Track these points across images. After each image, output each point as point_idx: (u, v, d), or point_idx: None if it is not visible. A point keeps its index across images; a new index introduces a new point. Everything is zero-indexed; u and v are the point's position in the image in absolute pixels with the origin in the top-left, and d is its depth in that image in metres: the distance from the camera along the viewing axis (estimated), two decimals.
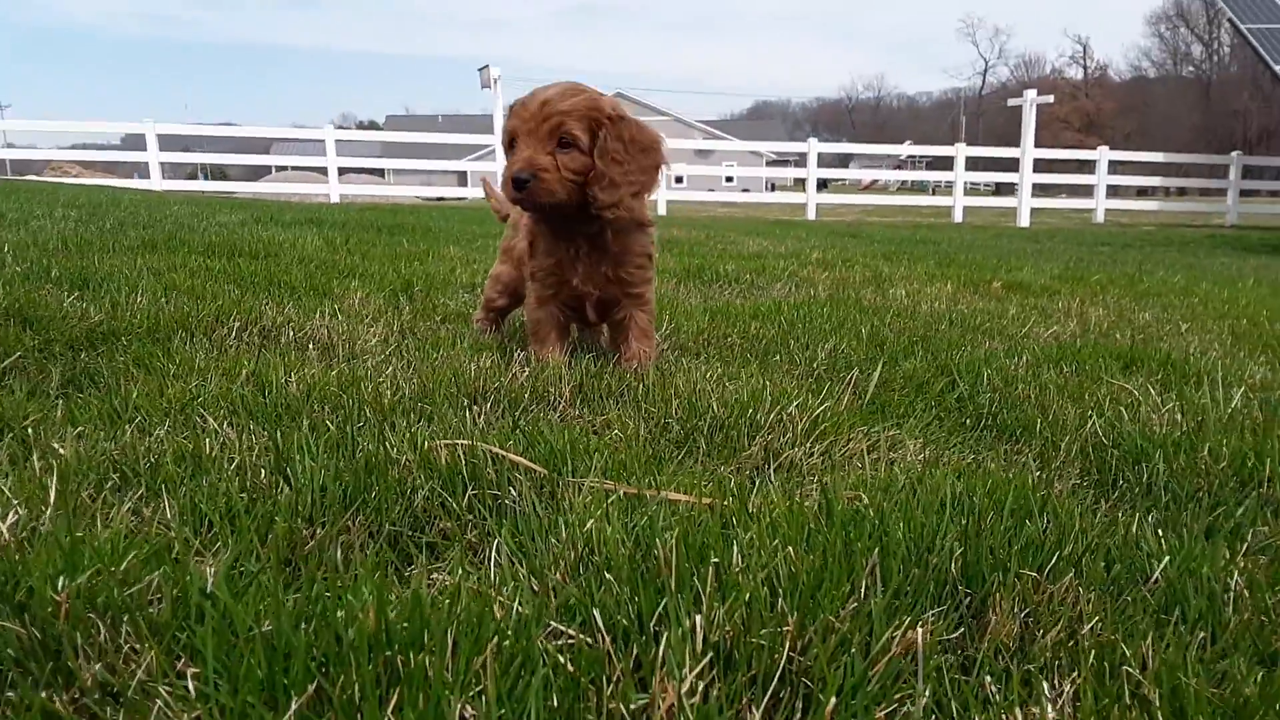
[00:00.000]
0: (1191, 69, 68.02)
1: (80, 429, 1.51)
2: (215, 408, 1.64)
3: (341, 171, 21.43)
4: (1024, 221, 19.10)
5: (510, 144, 2.07)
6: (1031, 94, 18.43)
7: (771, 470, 1.62)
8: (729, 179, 38.30)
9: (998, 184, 27.50)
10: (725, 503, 1.27)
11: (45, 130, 24.91)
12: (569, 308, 2.35)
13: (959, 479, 1.46)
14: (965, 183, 20.50)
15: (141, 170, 23.69)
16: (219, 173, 38.49)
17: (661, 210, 19.51)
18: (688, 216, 18.64)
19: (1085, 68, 76.78)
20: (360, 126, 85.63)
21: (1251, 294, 5.63)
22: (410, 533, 1.25)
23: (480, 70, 19.99)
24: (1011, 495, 1.33)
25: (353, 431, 1.50)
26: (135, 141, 20.36)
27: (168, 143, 20.07)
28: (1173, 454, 1.70)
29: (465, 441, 1.41)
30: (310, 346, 2.33)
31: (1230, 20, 17.99)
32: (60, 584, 0.91)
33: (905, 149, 25.57)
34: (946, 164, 20.67)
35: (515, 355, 2.28)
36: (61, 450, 1.38)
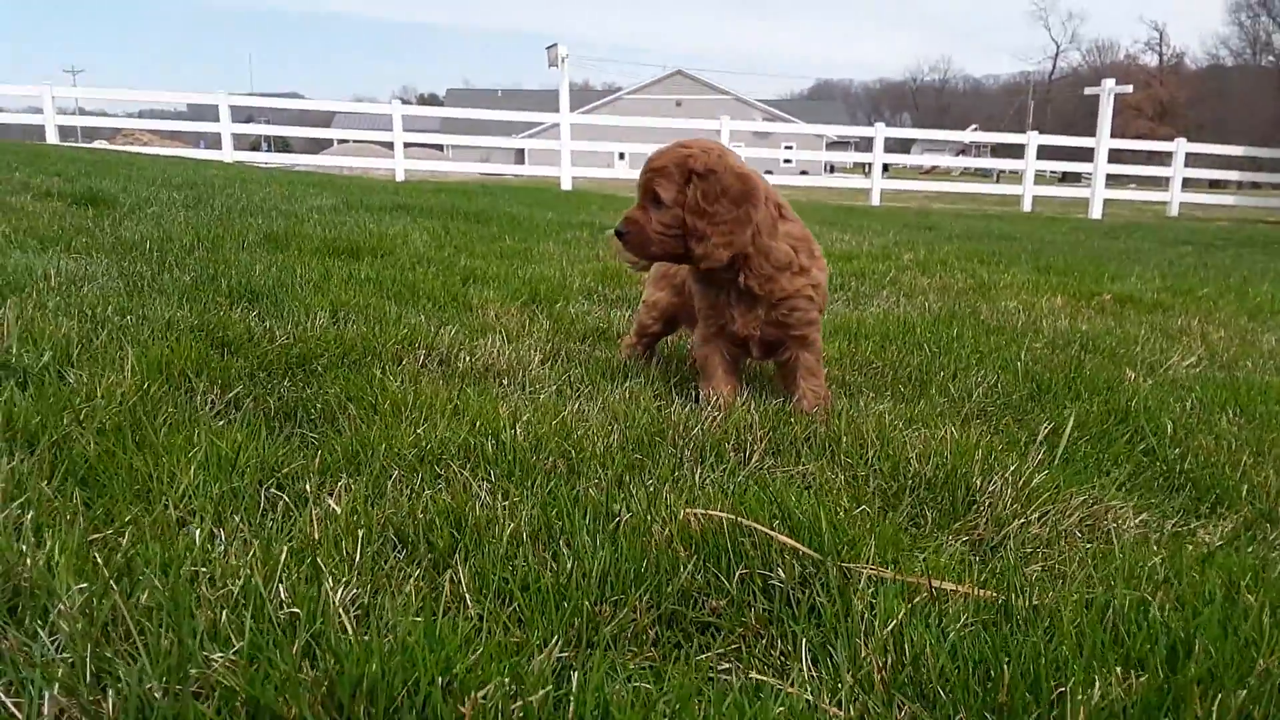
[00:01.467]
0: (1272, 59, 65.76)
1: (344, 481, 1.56)
2: (456, 458, 1.69)
3: (406, 146, 21.57)
4: (1096, 213, 18.70)
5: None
6: (1110, 83, 17.99)
7: (999, 541, 1.63)
8: (788, 160, 37.94)
9: (1064, 173, 26.92)
10: (1004, 597, 1.29)
11: (116, 98, 25.46)
12: (736, 345, 2.37)
13: (1210, 566, 1.46)
14: (1035, 171, 20.11)
15: (208, 139, 24.08)
16: (282, 144, 38.98)
17: None
18: None
19: (1161, 55, 74.57)
20: (421, 99, 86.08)
21: None
22: (688, 612, 1.28)
23: (548, 49, 19.98)
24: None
25: (608, 498, 1.53)
26: (201, 111, 20.67)
27: (235, 114, 20.29)
28: None
29: (723, 515, 1.44)
30: (488, 376, 2.38)
31: None
32: (446, 685, 0.95)
33: (969, 135, 25.11)
34: (1014, 151, 20.29)
35: (689, 396, 2.30)
36: (336, 509, 1.43)
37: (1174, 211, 20.17)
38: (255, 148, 34.35)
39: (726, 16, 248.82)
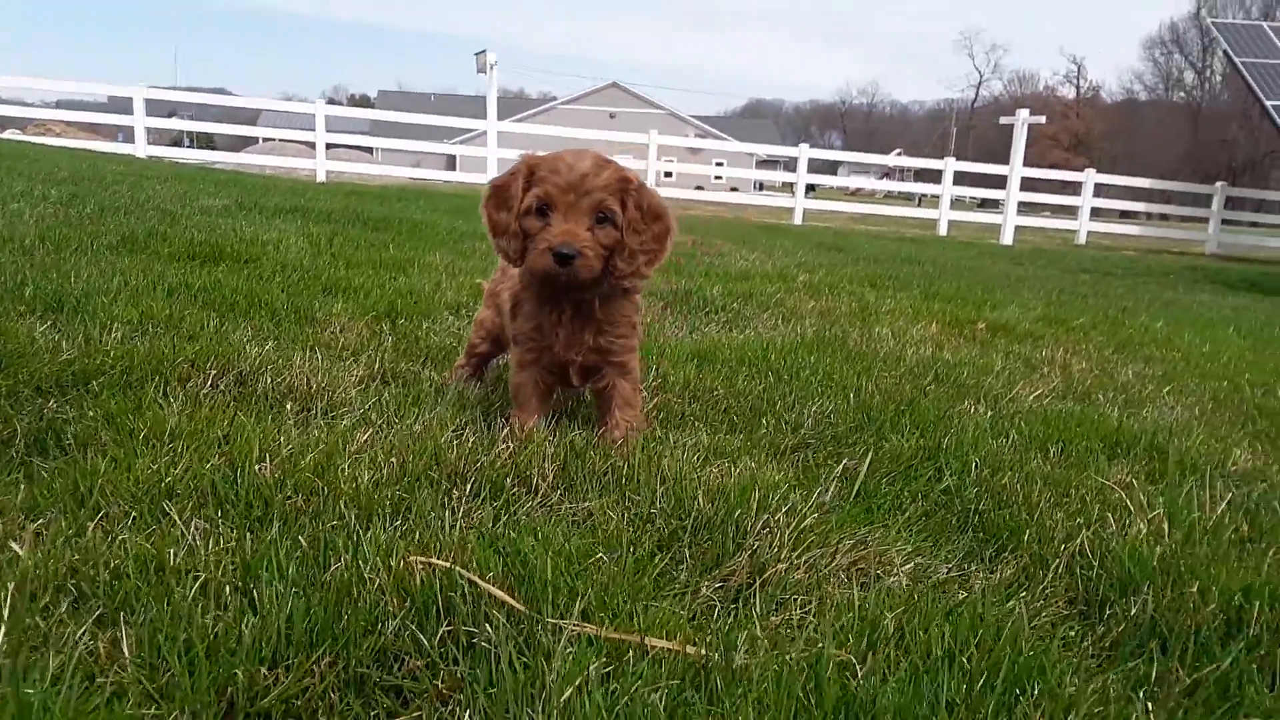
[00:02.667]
0: (1183, 95, 68.53)
1: (40, 521, 1.44)
2: (185, 495, 1.58)
3: (329, 147, 21.13)
4: (1008, 239, 19.20)
5: (541, 210, 2.02)
6: (1024, 113, 18.51)
7: (757, 587, 1.58)
8: (718, 177, 38.22)
9: (983, 199, 27.61)
10: (708, 655, 1.23)
11: (30, 87, 24.41)
12: (551, 373, 2.29)
13: (949, 620, 1.43)
14: (952, 196, 20.56)
15: (126, 133, 23.22)
16: (205, 140, 37.91)
17: None
18: (676, 215, 18.58)
19: (1078, 87, 77.20)
20: (352, 100, 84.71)
21: (1233, 348, 5.65)
22: (378, 675, 1.20)
23: (477, 55, 19.83)
24: (1005, 659, 1.29)
25: (324, 541, 1.44)
26: (122, 104, 19.97)
27: (154, 107, 19.65)
28: (1161, 584, 1.68)
29: (443, 563, 1.36)
30: (288, 400, 2.26)
31: (1225, 52, 18.11)
32: None
33: (893, 159, 25.62)
34: (935, 176, 20.72)
35: (497, 425, 2.22)
36: (20, 551, 1.32)
37: (1082, 239, 20.80)
38: (177, 143, 33.38)
39: (665, 30, 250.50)
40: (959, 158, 22.72)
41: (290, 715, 1.13)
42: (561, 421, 2.34)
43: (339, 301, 3.62)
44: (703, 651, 1.24)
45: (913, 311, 5.72)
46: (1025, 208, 22.36)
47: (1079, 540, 1.85)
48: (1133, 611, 1.61)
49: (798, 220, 20.00)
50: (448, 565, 1.36)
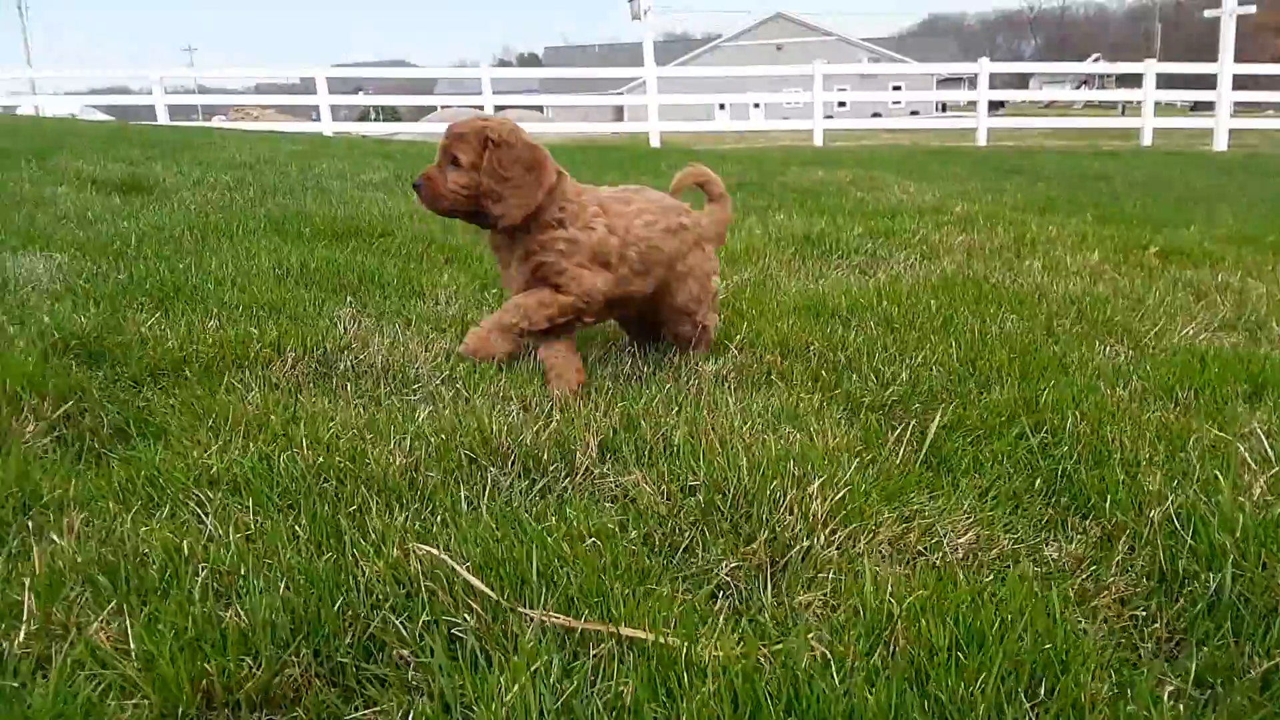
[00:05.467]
0: None
1: (87, 513, 1.56)
2: (223, 483, 1.67)
3: (500, 109, 21.65)
4: (1221, 145, 17.25)
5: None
6: (1231, 3, 16.42)
7: (783, 566, 1.50)
8: (896, 103, 36.44)
9: (1195, 102, 24.84)
10: (684, 646, 1.17)
11: (224, 75, 26.39)
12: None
13: (970, 607, 1.30)
14: (1159, 101, 18.64)
15: (317, 112, 24.75)
16: (391, 113, 39.80)
17: (818, 141, 18.76)
18: (842, 150, 17.88)
19: None
20: (520, 59, 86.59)
21: None
22: (358, 665, 1.22)
23: (630, 1, 19.67)
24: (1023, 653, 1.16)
25: (325, 529, 1.48)
26: (311, 85, 21.09)
27: (338, 85, 20.67)
28: (1251, 560, 1.46)
29: (433, 550, 1.37)
30: (365, 378, 2.34)
31: None
32: None
33: (1089, 65, 23.48)
34: (1136, 81, 18.83)
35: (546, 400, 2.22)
36: (60, 542, 1.43)
37: None
38: (364, 118, 35.24)
39: None
40: (1167, 59, 20.55)
41: (269, 704, 1.18)
42: (612, 392, 2.31)
43: (449, 274, 3.71)
44: (674, 641, 1.19)
45: (1077, 239, 5.25)
46: (1243, 108, 19.97)
47: (1167, 505, 1.64)
48: (1211, 589, 1.41)
49: (981, 141, 18.73)
50: (427, 551, 1.37)
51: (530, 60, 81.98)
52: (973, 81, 19.02)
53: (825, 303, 3.39)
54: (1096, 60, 30.68)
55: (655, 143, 18.24)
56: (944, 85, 37.45)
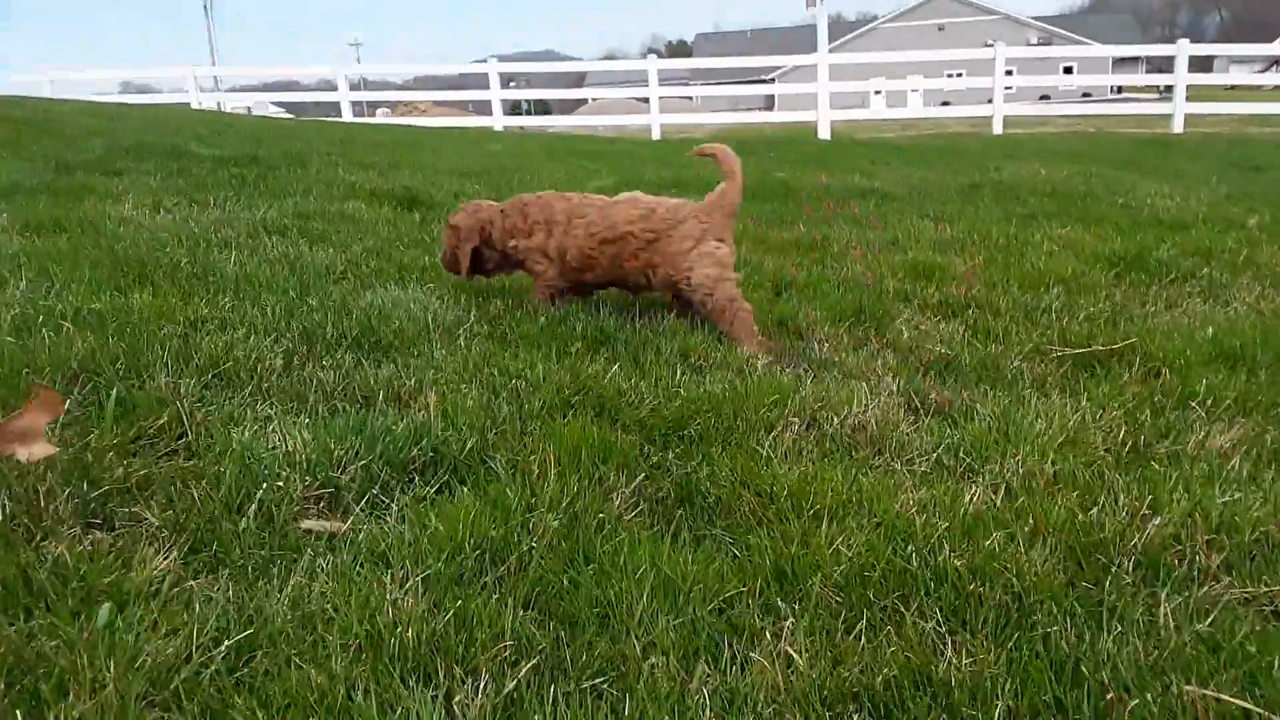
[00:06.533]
0: None
1: (790, 620, 1.53)
2: (882, 584, 1.63)
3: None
4: None
5: None
6: None
7: None
8: (1088, 93, 34.63)
9: None
10: None
11: (393, 71, 27.39)
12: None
13: None
14: None
15: (476, 105, 25.30)
16: (542, 106, 40.40)
17: (997, 129, 17.86)
18: (1024, 137, 17.02)
19: None
20: (669, 47, 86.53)
21: None
22: None
23: None
24: None
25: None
26: (473, 80, 21.40)
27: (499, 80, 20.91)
28: None
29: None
30: (858, 441, 2.28)
31: None
32: None
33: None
34: None
35: None
36: (797, 659, 1.41)
37: None
38: (515, 111, 35.82)
39: None
40: None
41: None
42: None
43: (802, 302, 3.59)
44: None
45: None
46: None
47: None
48: None
49: (1177, 128, 17.53)
50: None
51: (680, 47, 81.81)
52: (1152, 63, 17.77)
53: (1243, 350, 3.06)
54: None
55: (824, 134, 17.66)
56: (1118, 67, 35.35)
